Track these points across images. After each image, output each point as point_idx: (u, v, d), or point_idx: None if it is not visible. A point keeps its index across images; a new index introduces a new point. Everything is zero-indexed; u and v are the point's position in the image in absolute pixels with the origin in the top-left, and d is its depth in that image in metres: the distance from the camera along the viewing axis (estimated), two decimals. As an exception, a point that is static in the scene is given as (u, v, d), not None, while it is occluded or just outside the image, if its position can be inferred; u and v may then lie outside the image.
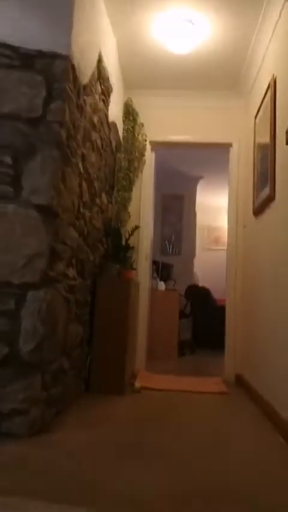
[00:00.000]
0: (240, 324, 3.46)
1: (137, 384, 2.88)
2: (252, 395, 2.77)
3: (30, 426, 1.74)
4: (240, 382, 3.30)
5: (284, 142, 2.15)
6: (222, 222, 6.94)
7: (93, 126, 2.66)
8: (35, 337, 1.80)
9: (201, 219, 7.05)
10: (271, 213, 2.52)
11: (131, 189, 3.61)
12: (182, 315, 5.34)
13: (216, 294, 6.45)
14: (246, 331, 3.21)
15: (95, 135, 2.70)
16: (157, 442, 1.80)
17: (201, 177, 6.17)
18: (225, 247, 3.77)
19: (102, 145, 2.97)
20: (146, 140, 3.75)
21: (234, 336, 3.50)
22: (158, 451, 1.69)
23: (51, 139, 1.97)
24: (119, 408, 2.37)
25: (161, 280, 5.35)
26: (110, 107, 3.16)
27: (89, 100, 2.49)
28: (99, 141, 2.85)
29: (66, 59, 2.03)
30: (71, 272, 2.27)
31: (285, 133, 2.11)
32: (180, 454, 1.67)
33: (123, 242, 3.36)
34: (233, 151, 3.73)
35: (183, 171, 5.98)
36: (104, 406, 2.40)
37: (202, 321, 5.96)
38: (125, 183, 3.55)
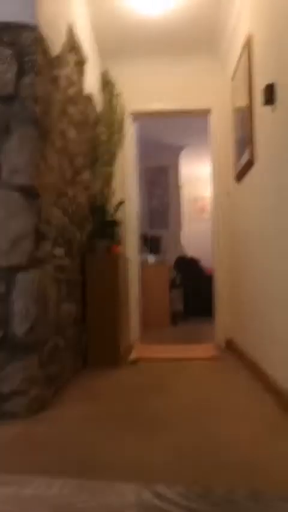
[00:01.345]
0: (229, 291, 3.52)
1: (133, 356, 2.94)
2: (242, 358, 2.86)
3: (30, 405, 1.78)
4: (230, 346, 3.39)
5: (261, 103, 2.12)
6: (208, 192, 6.93)
7: (70, 99, 2.58)
8: (28, 318, 1.81)
9: (186, 189, 7.02)
10: (252, 178, 2.51)
11: (113, 164, 3.56)
12: (172, 286, 5.41)
13: (206, 264, 6.52)
14: (234, 298, 3.28)
15: (72, 110, 2.63)
16: (154, 409, 1.86)
17: (184, 147, 6.09)
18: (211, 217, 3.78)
19: (80, 119, 2.89)
20: (124, 111, 3.66)
21: (223, 303, 3.57)
22: (156, 419, 1.74)
23: (26, 116, 1.90)
24: (116, 380, 2.43)
25: (150, 253, 5.37)
26: (85, 79, 3.06)
27: (62, 72, 2.40)
28: (77, 116, 2.77)
29: (34, 29, 1.94)
30: (59, 252, 2.26)
31: (262, 93, 2.07)
32: (177, 419, 1.73)
33: (110, 218, 3.34)
34: (212, 118, 3.68)
35: (165, 141, 5.89)
36: (102, 379, 2.46)
37: (192, 290, 6.04)
38: (106, 158, 3.49)
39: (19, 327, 1.80)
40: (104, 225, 3.27)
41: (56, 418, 1.77)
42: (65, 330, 2.36)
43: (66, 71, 2.48)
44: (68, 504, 1.08)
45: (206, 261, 6.49)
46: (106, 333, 2.81)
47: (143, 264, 4.88)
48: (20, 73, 1.92)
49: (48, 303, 2.01)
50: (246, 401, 1.97)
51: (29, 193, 1.87)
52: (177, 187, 6.25)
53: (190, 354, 3.15)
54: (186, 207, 7.22)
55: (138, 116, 3.80)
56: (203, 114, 3.75)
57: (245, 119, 2.57)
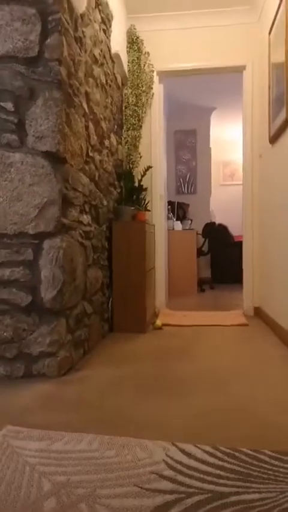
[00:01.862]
0: (258, 258, 3.46)
1: (158, 322, 2.98)
2: (271, 326, 2.84)
3: (59, 367, 1.86)
4: (259, 314, 3.37)
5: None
6: (238, 156, 6.67)
7: (95, 60, 2.49)
8: (55, 284, 1.85)
9: (215, 154, 6.78)
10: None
11: (140, 127, 3.46)
12: (200, 253, 5.37)
13: (234, 231, 6.40)
14: (263, 265, 3.22)
15: (97, 71, 2.54)
16: (180, 373, 1.90)
17: (214, 108, 5.83)
18: (241, 182, 3.65)
19: (106, 81, 2.80)
20: (153, 71, 3.51)
21: (252, 271, 3.51)
22: (182, 382, 1.78)
23: (51, 79, 1.86)
24: (141, 345, 2.49)
25: (177, 220, 5.31)
26: (112, 38, 2.93)
27: (88, 31, 2.31)
28: (103, 77, 2.69)
29: (58, -15, 1.85)
30: (85, 218, 2.27)
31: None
32: (203, 383, 1.76)
33: (136, 184, 3.29)
34: (247, 75, 3.47)
35: (194, 103, 5.65)
36: (128, 344, 2.52)
37: (220, 258, 5.98)
38: (133, 121, 3.40)
39: (47, 293, 1.85)
40: (130, 191, 3.24)
41: (84, 379, 1.84)
42: (92, 295, 2.40)
43: (91, 30, 2.38)
44: (95, 458, 1.14)
45: (235, 227, 6.37)
46: (132, 299, 2.84)
47: (170, 231, 4.84)
48: (44, 33, 1.86)
49: (75, 269, 2.05)
50: (274, 368, 1.97)
51: (55, 159, 1.86)
52: (206, 150, 6.05)
53: (217, 321, 3.16)
54: (215, 172, 7.01)
55: (167, 76, 3.64)
56: (236, 72, 3.54)
57: (282, 76, 2.41)
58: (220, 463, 1.12)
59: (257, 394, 1.65)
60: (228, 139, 7.03)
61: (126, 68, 3.39)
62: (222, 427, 1.35)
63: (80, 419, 1.42)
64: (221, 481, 1.03)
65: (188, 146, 6.06)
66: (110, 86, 2.92)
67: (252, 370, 1.96)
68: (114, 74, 3.07)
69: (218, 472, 1.07)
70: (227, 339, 2.62)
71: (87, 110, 2.29)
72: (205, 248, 5.61)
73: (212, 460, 1.13)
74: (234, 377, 1.85)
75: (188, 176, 6.06)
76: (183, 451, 1.18)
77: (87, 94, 2.30)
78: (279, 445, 1.22)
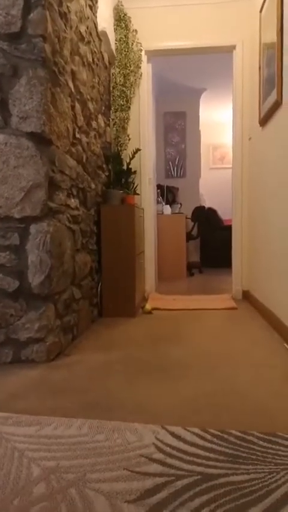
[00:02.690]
0: (247, 242, 3.46)
1: (148, 306, 2.98)
2: (259, 309, 2.86)
3: (47, 352, 1.84)
4: (247, 297, 3.40)
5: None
6: (227, 139, 6.62)
7: (81, 37, 2.41)
8: (42, 269, 1.82)
9: (205, 136, 6.71)
10: (278, 121, 2.35)
11: (128, 108, 3.39)
12: (189, 237, 5.36)
13: (224, 214, 6.39)
14: (252, 249, 3.22)
15: (84, 49, 2.46)
16: (170, 357, 1.91)
17: (204, 90, 5.73)
18: (231, 165, 3.63)
19: (93, 59, 2.72)
20: (141, 50, 3.42)
21: (241, 255, 3.52)
22: (171, 366, 1.79)
23: (35, 56, 1.79)
24: (131, 329, 2.49)
25: (166, 204, 5.28)
26: (98, 14, 2.83)
27: (73, 6, 2.22)
28: (89, 55, 2.60)
29: None
30: (73, 202, 2.23)
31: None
32: (193, 366, 1.77)
33: (125, 167, 3.24)
34: (237, 55, 3.40)
35: (184, 84, 5.55)
36: (117, 328, 2.52)
37: (209, 241, 5.99)
38: (122, 102, 3.32)
39: (34, 278, 1.82)
40: (119, 175, 3.19)
41: (74, 365, 1.84)
42: (81, 280, 2.38)
43: (76, 5, 2.29)
44: (85, 443, 1.14)
45: (224, 211, 6.36)
46: (122, 283, 2.83)
47: (159, 215, 4.81)
48: (27, 8, 1.78)
49: (63, 254, 2.02)
50: (262, 351, 1.99)
51: (40, 140, 1.81)
52: (196, 133, 5.97)
53: (206, 305, 3.17)
54: (204, 155, 6.95)
55: (156, 55, 3.54)
56: (226, 52, 3.47)
57: (273, 56, 2.36)
58: (209, 445, 1.12)
59: (246, 377, 1.66)
60: (218, 121, 6.96)
61: (113, 47, 3.29)
62: (212, 410, 1.36)
63: (69, 404, 1.42)
64: (210, 463, 1.03)
65: (177, 129, 5.98)
66: (97, 65, 2.83)
67: (241, 353, 1.98)
68: (101, 52, 2.97)
69: (207, 454, 1.08)
70: (216, 323, 2.63)
71: (73, 90, 2.22)
72: (194, 232, 5.60)
73: (201, 442, 1.14)
74: (223, 360, 1.87)
75: (177, 159, 6.00)
76: (172, 434, 1.18)
77: (73, 73, 2.23)
78: (268, 426, 1.23)
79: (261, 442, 1.13)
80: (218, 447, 1.11)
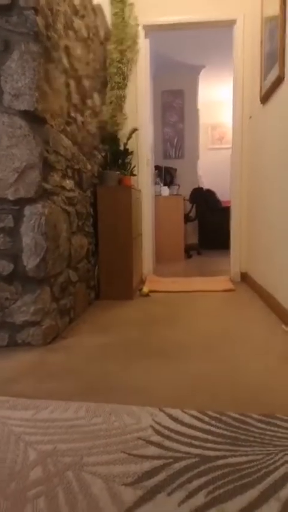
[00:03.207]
0: (245, 224, 3.43)
1: (145, 288, 2.96)
2: (257, 291, 2.86)
3: (44, 335, 1.83)
4: (245, 279, 3.39)
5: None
6: (227, 118, 6.49)
7: (75, 11, 2.31)
8: (37, 252, 1.79)
9: (204, 116, 6.58)
10: (280, 97, 2.27)
11: (125, 86, 3.29)
12: (187, 219, 5.32)
13: (222, 196, 6.33)
14: (251, 231, 3.19)
15: (78, 23, 2.36)
16: (168, 339, 1.90)
17: (203, 67, 5.59)
18: (230, 146, 3.55)
19: (88, 34, 2.62)
20: (138, 25, 3.30)
21: (240, 236, 3.49)
22: (169, 348, 1.78)
23: (27, 30, 1.71)
24: (128, 312, 2.48)
25: (164, 185, 5.21)
26: (92, -15, 2.71)
27: (66, -24, 2.11)
28: (84, 30, 2.50)
29: None
30: (68, 183, 2.18)
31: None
32: (190, 348, 1.77)
33: (122, 147, 3.17)
34: (237, 30, 3.29)
35: (182, 61, 5.40)
36: (114, 311, 2.51)
37: (208, 223, 5.95)
38: (118, 79, 3.22)
39: (29, 261, 1.79)
40: (116, 155, 3.13)
41: (70, 348, 1.83)
42: (77, 263, 2.35)
43: (69, -25, 2.18)
44: (82, 426, 1.13)
45: (223, 193, 6.30)
46: (119, 266, 2.81)
47: (157, 197, 4.76)
48: (17, -23, 1.69)
49: (58, 236, 1.98)
50: (260, 332, 1.98)
51: (34, 119, 1.75)
52: (194, 112, 5.85)
53: (204, 287, 3.16)
54: (203, 135, 6.84)
55: (153, 30, 3.42)
56: (226, 26, 3.35)
57: (276, 31, 2.27)
58: (207, 427, 1.12)
59: (245, 358, 1.66)
60: (217, 100, 6.81)
61: (109, 21, 3.17)
62: (210, 392, 1.35)
63: (66, 387, 1.41)
64: (208, 445, 1.03)
65: (175, 108, 5.85)
66: (92, 40, 2.73)
67: (239, 334, 1.97)
68: (96, 27, 2.87)
69: (205, 436, 1.07)
70: (214, 305, 2.62)
71: (67, 66, 2.14)
72: (192, 214, 5.56)
73: (199, 424, 1.14)
74: (221, 342, 1.86)
75: (175, 140, 5.89)
76: (170, 416, 1.18)
77: (67, 48, 2.14)
78: (266, 407, 1.23)
79: (259, 424, 1.13)
80: (216, 429, 1.11)
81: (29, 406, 1.25)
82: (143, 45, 3.37)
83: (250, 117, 3.26)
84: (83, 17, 2.47)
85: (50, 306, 1.88)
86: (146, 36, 3.40)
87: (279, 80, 2.23)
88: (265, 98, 2.61)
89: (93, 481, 0.89)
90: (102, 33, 3.07)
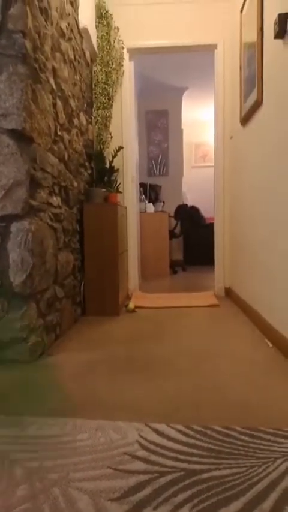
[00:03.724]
0: (229, 240, 3.50)
1: (131, 304, 2.98)
2: (241, 306, 2.90)
3: (30, 352, 1.82)
4: (230, 294, 3.44)
5: (272, 35, 1.95)
6: (209, 137, 6.68)
7: (62, 34, 2.38)
8: (24, 268, 1.80)
9: (187, 135, 6.75)
10: (259, 120, 2.38)
11: (111, 106, 3.37)
12: (172, 235, 5.38)
13: (206, 212, 6.45)
14: (234, 247, 3.26)
15: (65, 45, 2.43)
16: (154, 355, 1.91)
17: (186, 88, 5.76)
18: (213, 164, 3.66)
19: (74, 56, 2.69)
20: (123, 48, 3.41)
21: (223, 252, 3.56)
22: (155, 363, 1.79)
23: (15, 52, 1.76)
24: (114, 328, 2.48)
25: (149, 202, 5.29)
26: (79, 11, 2.80)
27: (53, 2, 2.19)
28: (71, 52, 2.58)
29: None
30: (55, 200, 2.20)
31: (273, 24, 1.89)
32: (176, 364, 1.78)
33: (108, 165, 3.23)
34: (218, 54, 3.42)
35: (166, 82, 5.56)
36: (101, 327, 2.51)
37: (192, 240, 6.03)
38: (104, 100, 3.30)
39: (16, 277, 1.79)
40: (102, 173, 3.18)
41: (56, 364, 1.82)
42: (64, 279, 2.36)
43: (57, 1, 2.26)
44: (68, 442, 1.13)
45: (207, 209, 6.42)
46: (105, 282, 2.82)
47: (142, 213, 4.82)
48: (7, 2, 1.75)
49: (45, 253, 2.00)
50: (244, 347, 2.02)
51: (21, 138, 1.78)
52: (178, 132, 5.99)
53: (189, 302, 3.19)
54: (187, 154, 6.99)
55: (138, 53, 3.54)
56: (207, 50, 3.49)
57: (254, 56, 2.39)
58: (192, 441, 1.14)
59: (228, 372, 1.68)
60: (201, 120, 7.00)
61: (95, 44, 3.27)
62: (195, 406, 1.37)
63: (52, 404, 1.41)
64: (194, 458, 1.05)
65: (160, 127, 5.99)
66: (78, 62, 2.81)
67: (223, 349, 2.00)
68: (82, 49, 2.95)
69: (190, 450, 1.09)
70: (199, 320, 2.65)
71: (54, 87, 2.20)
72: (177, 230, 5.63)
73: (184, 438, 1.15)
74: (205, 357, 1.88)
75: (159, 158, 6.01)
76: (156, 431, 1.19)
77: (54, 70, 2.20)
78: (250, 421, 1.25)
79: (243, 437, 1.15)
80: (201, 443, 1.12)
81: (15, 424, 1.25)
82: (128, 67, 3.47)
83: (231, 137, 3.38)
84: (69, 39, 2.55)
85: (36, 322, 1.88)
86: (130, 58, 3.50)
87: (257, 104, 2.34)
88: (245, 120, 2.72)
89: (79, 497, 0.89)
90: (88, 55, 3.16)
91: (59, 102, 2.28)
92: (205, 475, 0.97)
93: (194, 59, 4.66)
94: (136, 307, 3.01)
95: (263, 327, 2.23)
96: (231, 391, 1.49)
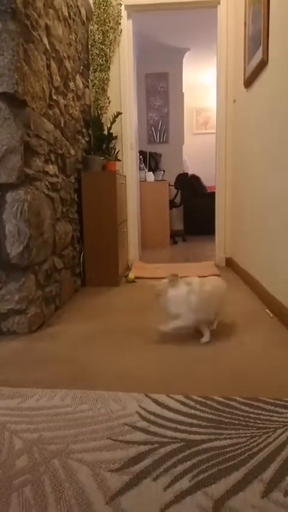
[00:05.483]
0: (230, 210, 3.43)
1: (131, 275, 2.96)
2: (242, 276, 2.88)
3: (29, 323, 1.81)
4: (230, 264, 3.41)
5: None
6: (211, 102, 6.44)
7: (55, -12, 2.22)
8: (21, 239, 1.75)
9: (188, 100, 6.51)
10: (263, 81, 2.26)
11: (108, 68, 3.22)
12: (172, 204, 5.30)
13: (207, 181, 6.32)
14: (235, 216, 3.20)
15: (58, 1, 2.28)
16: (153, 324, 1.90)
17: (187, 49, 5.50)
18: (215, 131, 3.53)
19: (69, 14, 2.53)
20: (120, 4, 3.21)
21: (224, 222, 3.50)
22: (154, 333, 1.79)
23: (4, 7, 1.64)
24: (114, 298, 2.47)
25: (149, 171, 5.17)
26: None
27: None
28: (65, 9, 2.42)
29: None
30: (52, 169, 2.13)
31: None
32: (174, 334, 1.77)
33: (106, 132, 3.12)
34: (221, 11, 3.23)
35: (166, 43, 5.30)
36: (100, 298, 2.50)
37: (193, 209, 5.95)
38: (101, 61, 3.15)
39: (13, 248, 1.76)
40: (99, 140, 3.07)
41: (56, 335, 1.82)
42: (62, 250, 2.33)
43: None
44: (68, 413, 1.13)
45: (207, 178, 6.29)
46: (104, 253, 2.79)
47: (142, 182, 4.72)
48: None
49: (42, 223, 1.95)
50: (244, 317, 2.01)
51: (14, 101, 1.69)
52: (179, 96, 5.77)
53: (189, 272, 3.16)
54: (188, 120, 6.77)
55: (136, 10, 3.33)
56: (210, 7, 3.29)
57: (259, 12, 2.24)
58: (192, 411, 1.13)
59: (228, 342, 1.68)
60: (202, 84, 6.74)
61: (91, 0, 3.07)
62: (195, 376, 1.37)
63: (52, 375, 1.41)
64: (194, 429, 1.04)
65: (160, 91, 5.76)
66: (73, 20, 2.64)
67: (223, 320, 1.99)
68: (77, 6, 2.77)
69: (190, 420, 1.09)
70: (199, 290, 2.63)
71: (48, 47, 2.08)
72: (178, 200, 5.54)
73: (184, 409, 1.15)
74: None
75: (160, 124, 5.83)
76: (156, 402, 1.19)
77: (47, 28, 2.07)
78: (250, 391, 1.25)
79: (243, 407, 1.15)
80: (201, 413, 1.12)
81: (15, 395, 1.24)
82: (126, 26, 3.29)
83: (234, 100, 3.24)
84: (63, -5, 2.38)
85: (35, 293, 1.86)
86: (128, 17, 3.31)
87: (262, 64, 2.21)
88: (249, 82, 2.59)
89: (79, 468, 0.89)
90: (84, 13, 2.98)
91: (53, 64, 2.16)
92: (205, 446, 0.97)
93: (196, 17, 4.41)
94: (136, 277, 2.99)
95: (264, 297, 2.21)
96: (231, 360, 1.49)
